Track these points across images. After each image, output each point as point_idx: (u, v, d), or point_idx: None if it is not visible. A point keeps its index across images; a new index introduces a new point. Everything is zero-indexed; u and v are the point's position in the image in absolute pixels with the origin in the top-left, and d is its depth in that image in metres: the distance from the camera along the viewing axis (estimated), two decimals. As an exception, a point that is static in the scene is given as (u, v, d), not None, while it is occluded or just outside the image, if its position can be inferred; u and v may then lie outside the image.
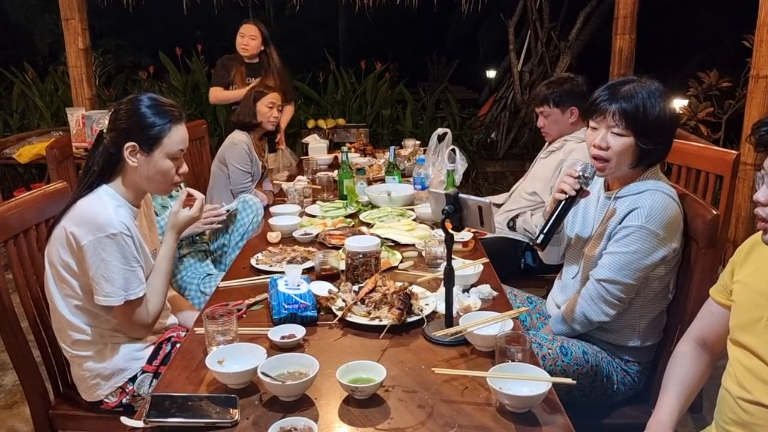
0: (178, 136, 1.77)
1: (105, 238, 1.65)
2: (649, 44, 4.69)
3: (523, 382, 1.33)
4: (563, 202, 1.75)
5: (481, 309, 1.70)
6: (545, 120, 2.77)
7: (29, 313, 1.89)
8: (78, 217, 1.68)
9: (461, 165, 2.78)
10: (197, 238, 2.63)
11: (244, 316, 1.75)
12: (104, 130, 1.77)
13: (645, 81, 1.77)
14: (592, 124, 1.81)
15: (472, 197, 1.56)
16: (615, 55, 4.30)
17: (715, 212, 1.69)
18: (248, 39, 4.08)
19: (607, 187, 1.89)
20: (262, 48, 4.13)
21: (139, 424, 1.25)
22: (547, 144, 2.89)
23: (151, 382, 1.81)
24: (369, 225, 2.47)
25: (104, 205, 1.70)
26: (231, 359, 1.42)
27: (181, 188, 1.90)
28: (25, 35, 9.52)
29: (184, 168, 1.83)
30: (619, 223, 1.75)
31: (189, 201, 1.91)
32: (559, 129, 2.75)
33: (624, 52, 4.26)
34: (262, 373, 1.32)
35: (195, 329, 1.67)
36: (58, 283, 1.75)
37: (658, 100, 1.73)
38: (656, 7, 4.94)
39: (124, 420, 1.27)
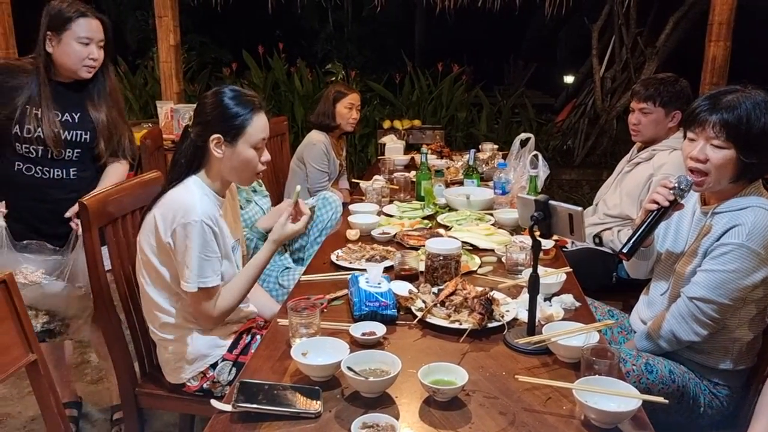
0: (260, 125, 1.82)
1: (188, 224, 1.70)
2: (741, 51, 4.46)
3: (610, 397, 1.28)
4: (654, 214, 1.69)
5: (563, 319, 1.67)
6: (643, 118, 2.60)
7: (122, 294, 1.99)
8: (167, 206, 1.75)
9: (543, 171, 2.73)
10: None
11: (325, 310, 1.77)
12: (189, 125, 1.84)
13: (750, 91, 1.68)
14: (689, 135, 1.73)
15: (563, 204, 1.53)
16: (707, 63, 4.10)
17: (823, 232, 1.58)
18: (95, 48, 2.20)
19: (704, 202, 1.81)
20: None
21: (228, 408, 1.29)
22: (631, 152, 2.78)
23: (230, 370, 1.87)
24: (447, 227, 2.47)
25: (191, 194, 1.76)
26: (314, 352, 1.45)
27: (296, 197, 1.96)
28: (116, 32, 10.04)
29: (266, 156, 1.87)
30: (717, 240, 1.67)
31: (296, 216, 1.95)
32: (655, 131, 2.60)
33: (717, 60, 4.06)
34: (348, 368, 1.34)
35: (278, 320, 1.71)
36: (147, 268, 1.82)
37: (764, 112, 1.64)
38: (750, 12, 4.68)
39: (214, 403, 1.31)
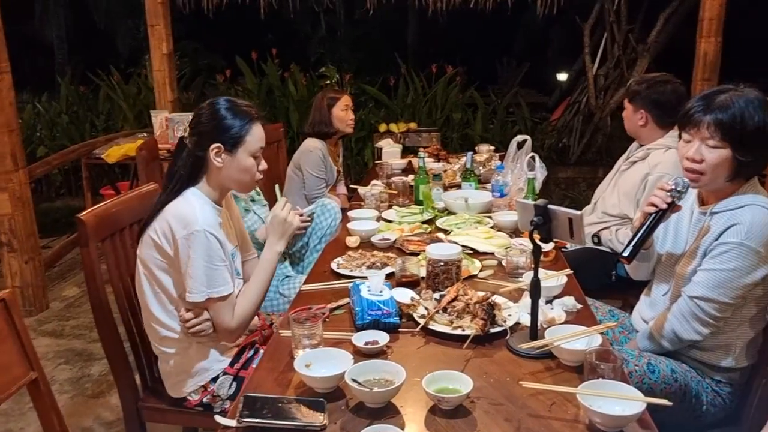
0: (258, 134, 1.85)
1: (190, 234, 1.71)
2: (732, 46, 4.46)
3: (614, 400, 1.29)
4: (653, 216, 1.70)
5: (565, 322, 1.67)
6: (623, 113, 2.71)
7: (122, 308, 1.99)
8: (167, 220, 1.75)
9: (540, 173, 2.73)
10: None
11: (327, 320, 1.77)
12: (185, 135, 1.84)
13: (742, 89, 1.68)
14: (684, 136, 1.74)
15: (562, 208, 1.53)
16: (699, 60, 4.11)
17: (822, 229, 1.59)
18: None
19: (702, 202, 1.81)
20: None
21: (232, 423, 1.29)
22: (629, 150, 2.80)
23: (231, 384, 1.87)
24: (446, 232, 2.46)
25: (191, 205, 1.77)
26: (318, 363, 1.45)
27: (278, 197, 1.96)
28: (107, 40, 10.04)
29: (264, 165, 1.89)
30: (716, 240, 1.68)
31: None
32: (631, 127, 2.68)
33: (709, 56, 4.07)
34: (352, 379, 1.34)
35: (280, 332, 1.71)
36: (151, 282, 1.82)
37: (758, 110, 1.64)
38: (740, 7, 4.70)
39: (218, 419, 1.31)
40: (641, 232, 1.69)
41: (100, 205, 1.96)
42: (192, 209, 1.75)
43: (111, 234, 1.97)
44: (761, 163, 1.71)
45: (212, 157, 1.79)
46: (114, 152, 4.28)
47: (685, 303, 1.73)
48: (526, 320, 1.65)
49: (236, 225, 2.05)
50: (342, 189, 3.75)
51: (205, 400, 1.88)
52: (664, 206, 1.68)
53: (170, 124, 4.15)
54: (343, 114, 3.38)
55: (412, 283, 1.93)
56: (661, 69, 2.77)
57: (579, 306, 1.79)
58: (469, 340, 1.58)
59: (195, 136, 1.81)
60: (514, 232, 2.41)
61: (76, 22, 10.49)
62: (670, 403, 1.28)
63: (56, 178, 6.49)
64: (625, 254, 1.67)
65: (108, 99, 6.67)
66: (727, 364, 1.76)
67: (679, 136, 1.77)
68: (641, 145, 2.70)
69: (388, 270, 2.04)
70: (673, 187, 1.68)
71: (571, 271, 1.95)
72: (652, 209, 1.70)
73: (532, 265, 1.57)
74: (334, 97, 3.40)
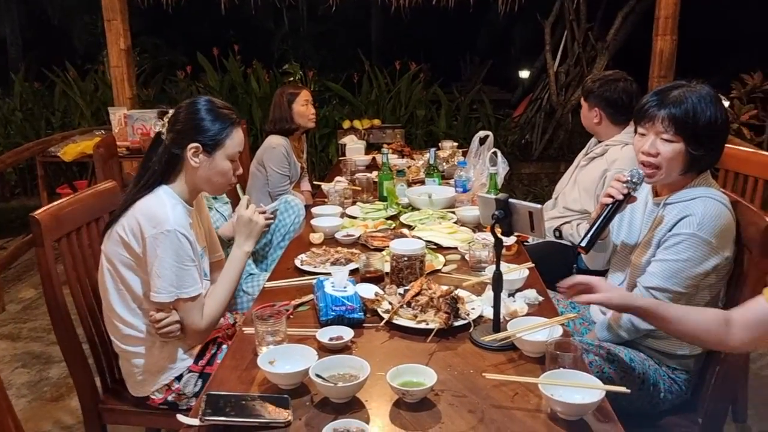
0: (238, 138, 1.84)
1: (161, 234, 1.69)
2: (688, 44, 4.59)
3: (575, 389, 1.32)
4: (609, 207, 1.74)
5: (527, 314, 1.69)
6: (581, 110, 2.77)
7: (80, 308, 1.94)
8: (137, 217, 1.72)
9: (503, 168, 2.76)
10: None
11: (291, 317, 1.76)
12: (162, 131, 1.81)
13: (695, 86, 1.74)
14: (640, 130, 1.79)
15: (523, 202, 1.56)
16: (655, 57, 4.22)
17: (770, 220, 1.65)
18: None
19: (656, 193, 1.86)
20: None
21: (195, 422, 1.27)
22: (587, 146, 2.85)
23: (196, 381, 1.84)
24: (410, 227, 2.47)
25: (162, 204, 1.74)
26: (282, 360, 1.44)
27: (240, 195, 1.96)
28: (63, 35, 9.76)
29: (240, 170, 1.89)
30: (669, 231, 1.73)
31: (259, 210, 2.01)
32: (588, 124, 2.75)
33: (665, 54, 4.19)
34: (316, 375, 1.34)
35: (244, 329, 1.70)
36: (115, 279, 1.78)
37: (709, 105, 1.70)
38: (695, 6, 4.85)
39: (181, 418, 1.30)
40: (598, 222, 1.73)
41: (55, 203, 1.91)
42: (163, 208, 1.73)
43: (67, 233, 1.92)
44: (713, 156, 1.77)
45: (189, 156, 1.77)
46: (71, 150, 4.17)
47: (640, 294, 1.77)
48: (489, 313, 1.67)
49: (205, 226, 2.02)
50: (306, 185, 3.73)
51: (169, 398, 1.85)
52: (621, 197, 1.72)
53: (129, 121, 4.06)
54: (303, 109, 3.37)
55: (377, 279, 1.93)
56: (619, 66, 2.84)
57: (541, 298, 1.82)
58: (432, 334, 1.59)
59: (173, 133, 1.78)
60: (477, 227, 2.44)
61: (29, 17, 10.17)
62: (628, 391, 1.31)
63: (11, 177, 6.30)
64: (583, 244, 1.71)
65: (64, 96, 6.50)
66: (682, 352, 1.81)
67: (635, 131, 1.82)
68: (599, 141, 2.76)
69: (353, 266, 2.04)
70: (629, 178, 1.73)
71: (533, 265, 1.98)
72: (609, 200, 1.74)
73: (495, 259, 1.59)
74: (293, 92, 3.39)
